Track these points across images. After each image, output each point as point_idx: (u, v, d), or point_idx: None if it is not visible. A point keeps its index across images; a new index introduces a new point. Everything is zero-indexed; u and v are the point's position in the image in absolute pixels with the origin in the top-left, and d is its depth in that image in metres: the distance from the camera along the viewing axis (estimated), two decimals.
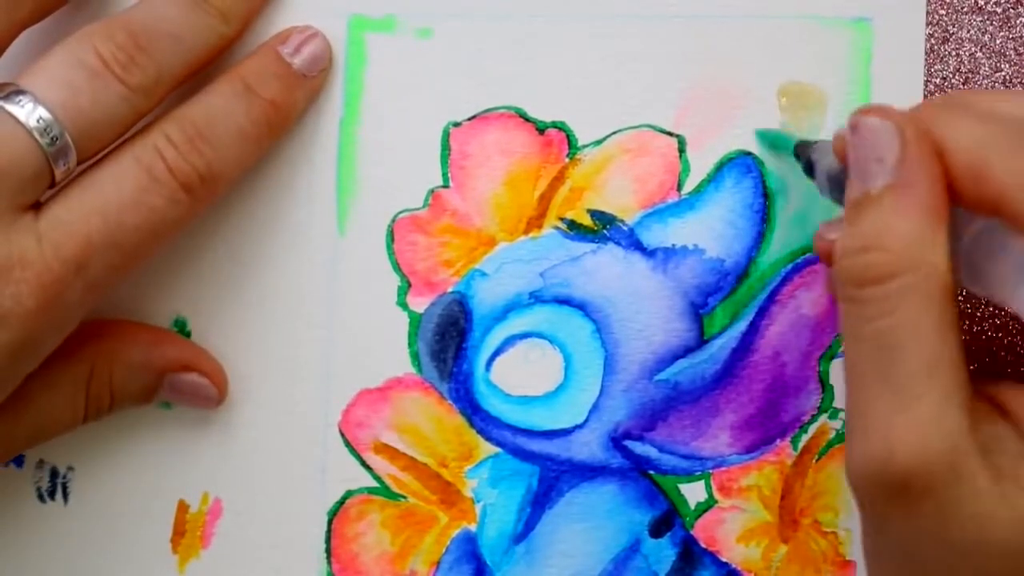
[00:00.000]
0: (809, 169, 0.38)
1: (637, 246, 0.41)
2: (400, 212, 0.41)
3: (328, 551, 0.41)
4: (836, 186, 0.36)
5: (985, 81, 0.42)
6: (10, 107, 0.36)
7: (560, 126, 0.41)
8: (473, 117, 0.41)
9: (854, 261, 0.33)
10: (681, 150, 0.41)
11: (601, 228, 0.41)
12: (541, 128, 0.41)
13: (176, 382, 0.41)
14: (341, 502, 0.41)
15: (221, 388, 0.41)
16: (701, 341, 0.41)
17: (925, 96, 0.41)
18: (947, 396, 0.32)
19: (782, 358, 0.41)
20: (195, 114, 0.38)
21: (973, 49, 0.42)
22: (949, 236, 0.33)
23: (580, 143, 0.41)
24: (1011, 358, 0.41)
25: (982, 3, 0.42)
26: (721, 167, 0.41)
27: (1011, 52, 0.42)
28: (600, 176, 0.41)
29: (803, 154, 0.39)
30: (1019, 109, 0.34)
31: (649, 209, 0.41)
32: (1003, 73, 0.42)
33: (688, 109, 0.41)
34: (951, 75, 0.42)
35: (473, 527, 0.41)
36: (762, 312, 0.41)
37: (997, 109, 0.34)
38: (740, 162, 0.41)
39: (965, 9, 0.42)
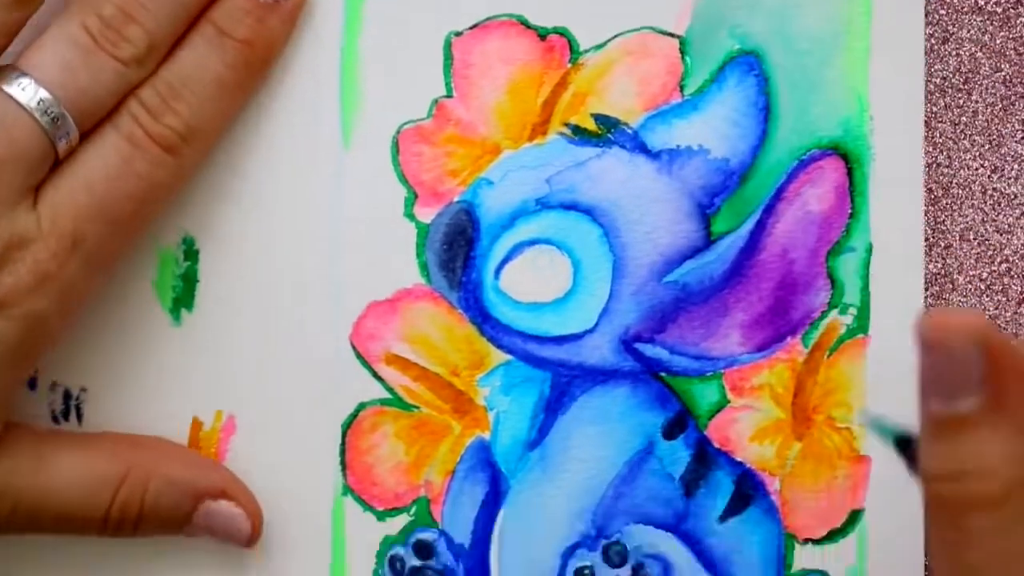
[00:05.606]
0: (911, 462, 0.35)
1: (642, 149, 0.41)
2: (404, 123, 0.41)
3: (343, 463, 0.41)
4: None
5: (985, 81, 0.42)
6: (11, 90, 0.36)
7: (561, 31, 0.41)
8: (474, 26, 0.41)
9: (954, 488, 0.30)
10: (683, 51, 0.41)
11: (605, 132, 0.41)
12: (542, 34, 0.41)
13: (212, 510, 0.40)
14: (354, 414, 0.41)
15: (256, 525, 0.40)
16: (708, 241, 0.41)
17: (925, 96, 0.41)
18: None
19: (790, 255, 0.41)
20: (168, 73, 0.38)
21: (973, 49, 0.42)
22: None
23: (582, 48, 0.41)
24: None
25: (982, 3, 0.42)
26: (723, 66, 0.41)
27: (1011, 52, 0.42)
28: (603, 80, 0.41)
29: (905, 448, 0.35)
30: None
31: (653, 111, 0.41)
32: (1003, 73, 0.42)
33: (688, 9, 0.41)
34: (951, 75, 0.42)
35: (487, 435, 0.41)
36: (769, 210, 0.41)
37: None
38: (742, 61, 0.41)
39: (965, 9, 0.42)
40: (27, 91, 0.36)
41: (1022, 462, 0.30)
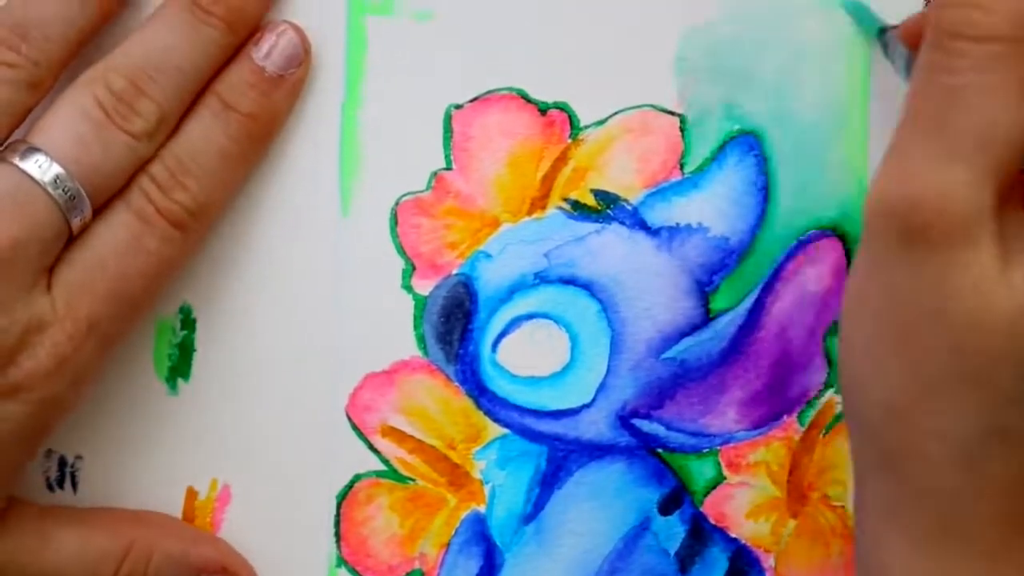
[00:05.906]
0: (888, 52, 0.39)
1: (641, 225, 0.41)
2: (403, 195, 0.41)
3: (337, 535, 0.41)
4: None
5: None
6: (26, 166, 0.36)
7: (562, 106, 0.41)
8: (475, 99, 0.41)
9: (957, 12, 0.32)
10: (683, 129, 0.41)
11: (605, 208, 0.41)
12: (543, 109, 0.41)
13: None
14: (350, 486, 0.41)
15: None
16: (707, 319, 0.41)
17: None
18: (991, 167, 0.32)
19: (788, 334, 0.41)
20: (177, 147, 0.38)
21: None
22: None
23: (582, 123, 0.41)
24: None
25: None
26: (723, 145, 0.41)
27: None
28: (603, 156, 0.41)
29: (885, 39, 0.39)
30: None
31: (652, 188, 0.41)
32: None
33: (689, 88, 0.41)
34: None
35: (482, 508, 0.41)
36: (767, 289, 0.41)
37: None
38: (742, 140, 0.41)
39: None
40: (42, 167, 0.36)
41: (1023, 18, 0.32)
